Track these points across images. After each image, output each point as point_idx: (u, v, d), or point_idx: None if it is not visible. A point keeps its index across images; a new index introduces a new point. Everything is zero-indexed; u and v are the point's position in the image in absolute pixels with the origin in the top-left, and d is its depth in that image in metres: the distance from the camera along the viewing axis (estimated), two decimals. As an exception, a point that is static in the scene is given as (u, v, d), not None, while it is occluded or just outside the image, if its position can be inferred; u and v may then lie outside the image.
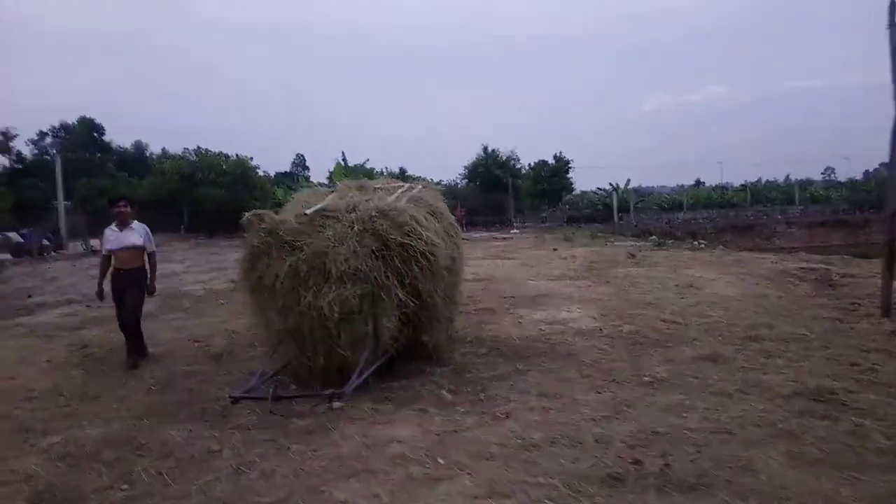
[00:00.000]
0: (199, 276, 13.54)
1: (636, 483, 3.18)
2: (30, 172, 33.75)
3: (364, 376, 4.88)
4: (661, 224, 25.80)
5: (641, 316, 7.36)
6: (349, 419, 4.31)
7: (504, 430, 3.99)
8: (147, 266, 6.35)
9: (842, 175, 48.18)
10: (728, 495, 3.02)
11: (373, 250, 4.96)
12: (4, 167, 33.42)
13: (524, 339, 6.45)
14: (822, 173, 48.04)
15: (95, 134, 43.23)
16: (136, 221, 6.36)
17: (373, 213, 5.14)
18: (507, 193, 34.41)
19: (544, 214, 34.06)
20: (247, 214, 5.41)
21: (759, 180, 43.48)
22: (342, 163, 32.28)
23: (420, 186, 6.67)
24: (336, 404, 4.57)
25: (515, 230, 27.95)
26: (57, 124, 43.05)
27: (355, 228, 5.06)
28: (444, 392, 4.82)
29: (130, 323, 6.08)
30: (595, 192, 41.27)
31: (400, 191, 6.07)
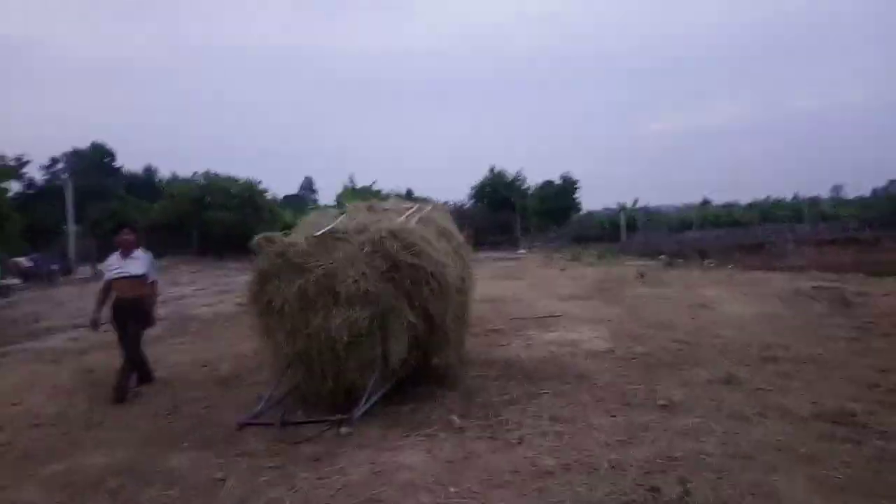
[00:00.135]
0: (207, 299, 13.51)
1: (655, 511, 3.07)
2: (41, 198, 34.17)
3: (373, 401, 4.80)
4: (669, 243, 25.64)
5: (653, 337, 7.24)
6: (357, 445, 4.22)
7: (517, 456, 3.89)
8: (151, 294, 6.26)
9: (850, 192, 47.84)
10: (752, 525, 2.91)
11: (382, 272, 4.91)
12: (17, 193, 33.83)
13: (535, 361, 6.35)
14: (830, 191, 47.69)
15: (106, 159, 43.81)
16: (139, 250, 6.27)
17: (382, 234, 5.10)
18: (514, 213, 34.40)
19: (552, 234, 33.97)
20: (256, 237, 5.39)
21: (767, 198, 43.21)
22: (350, 185, 32.48)
23: (429, 207, 6.63)
24: (344, 430, 4.48)
25: (523, 250, 27.87)
26: (69, 150, 43.68)
27: (365, 250, 5.02)
28: (455, 417, 4.71)
29: (131, 355, 5.94)
30: (602, 212, 41.23)
31: (409, 211, 6.03)
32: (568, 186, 38.29)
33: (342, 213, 6.20)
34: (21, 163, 35.50)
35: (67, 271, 22.83)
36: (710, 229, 36.05)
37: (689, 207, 45.44)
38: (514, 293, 11.67)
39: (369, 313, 4.81)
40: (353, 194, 26.66)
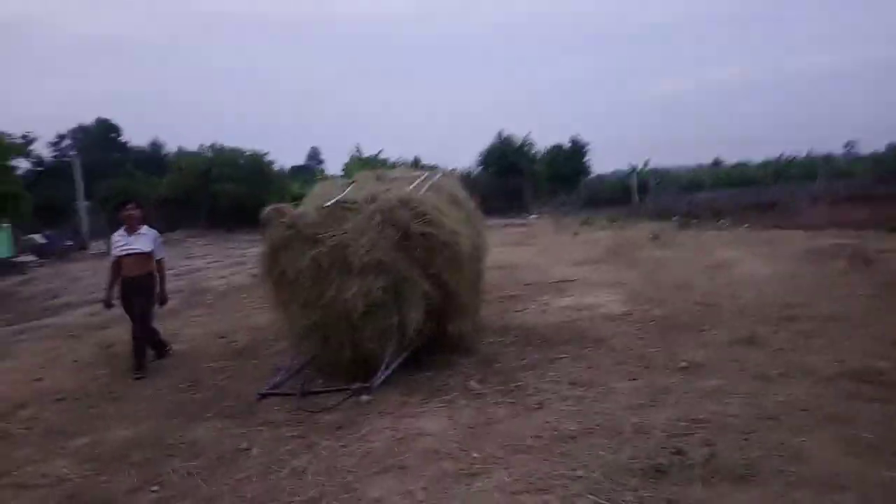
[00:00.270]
0: (221, 271, 13.57)
1: (680, 474, 3.05)
2: (50, 175, 34.25)
3: (391, 369, 4.80)
4: (682, 204, 25.30)
5: (671, 299, 7.17)
6: (378, 413, 4.23)
7: (538, 421, 3.87)
8: (156, 272, 6.10)
9: (864, 149, 46.77)
10: (780, 486, 2.88)
11: (394, 241, 4.85)
12: (25, 170, 33.92)
13: (551, 326, 6.31)
14: (843, 147, 46.62)
15: (113, 135, 43.66)
16: (146, 227, 6.10)
17: (393, 204, 5.02)
18: (523, 179, 34.04)
19: (562, 199, 33.65)
20: (266, 209, 5.33)
21: (780, 156, 42.38)
22: (357, 154, 32.19)
23: (439, 174, 6.52)
24: (364, 398, 4.49)
25: (533, 216, 27.68)
26: (75, 126, 43.56)
27: (376, 219, 4.95)
28: (473, 382, 4.71)
29: (141, 333, 5.87)
30: (613, 175, 40.72)
31: (419, 179, 5.93)
32: (577, 150, 37.69)
33: (351, 183, 6.11)
34: (28, 140, 35.57)
35: (82, 247, 23.00)
36: (722, 189, 35.55)
37: (700, 168, 44.76)
38: (526, 259, 11.60)
39: (383, 283, 4.78)
40: (360, 164, 26.44)
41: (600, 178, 40.31)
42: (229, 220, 26.19)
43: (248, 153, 30.67)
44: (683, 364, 4.76)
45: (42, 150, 38.39)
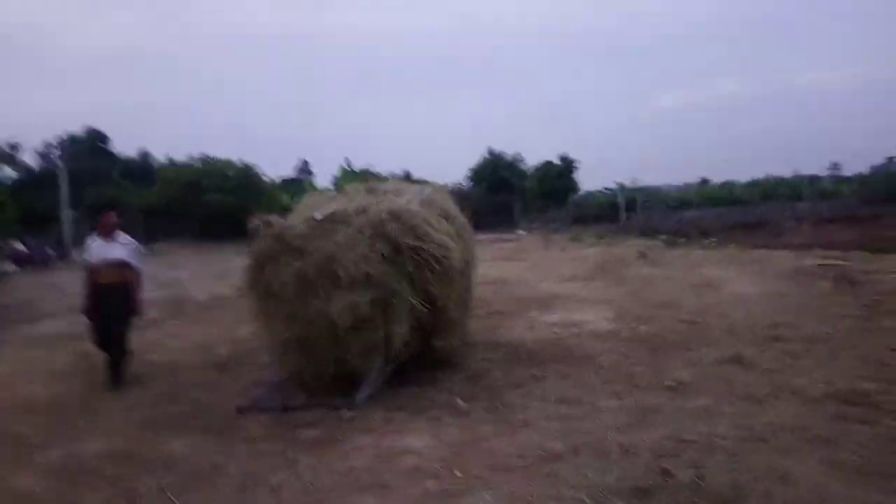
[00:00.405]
0: (205, 283, 13.40)
1: (668, 496, 2.98)
2: (36, 183, 33.86)
3: (376, 385, 4.71)
4: (669, 223, 25.51)
5: (658, 317, 7.15)
6: (360, 430, 4.14)
7: (523, 439, 3.80)
8: (134, 282, 5.76)
9: (848, 170, 47.50)
10: (768, 509, 2.82)
11: (384, 255, 4.79)
12: (11, 179, 33.53)
13: (539, 342, 6.26)
14: (827, 168, 47.32)
15: (101, 144, 43.33)
16: (123, 234, 5.86)
17: (383, 216, 4.97)
18: (512, 195, 34.20)
19: (551, 215, 33.80)
20: (254, 220, 5.25)
21: (766, 177, 42.99)
22: (347, 167, 32.19)
23: (430, 188, 6.49)
24: (347, 414, 4.40)
25: (522, 231, 27.74)
26: (63, 135, 43.20)
27: (366, 232, 4.89)
28: (459, 400, 4.63)
29: (120, 351, 5.60)
30: (601, 192, 41.00)
31: (410, 193, 5.89)
32: (567, 167, 38.01)
33: (341, 196, 6.06)
34: (14, 148, 35.22)
35: (63, 256, 22.67)
36: (709, 208, 35.90)
37: (688, 186, 45.22)
38: (515, 275, 11.57)
39: (371, 297, 4.71)
40: (350, 176, 26.44)
41: (589, 195, 40.61)
42: (217, 231, 25.98)
43: (237, 164, 30.57)
44: (671, 383, 4.72)
45: (29, 158, 38.02)
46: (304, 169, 55.24)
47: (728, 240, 17.71)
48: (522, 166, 37.96)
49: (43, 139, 41.53)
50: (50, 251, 22.09)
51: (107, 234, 5.76)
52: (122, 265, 5.70)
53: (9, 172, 31.61)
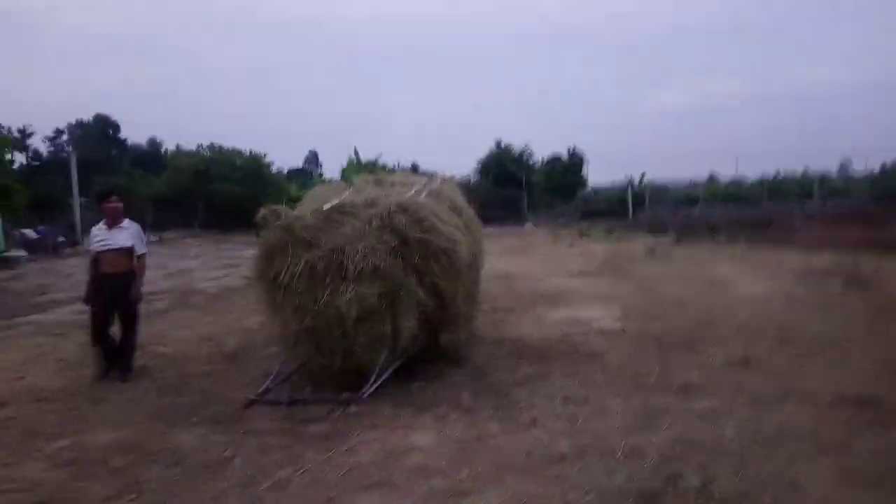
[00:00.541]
0: (213, 273, 13.45)
1: (675, 500, 2.97)
2: (46, 169, 34.01)
3: (382, 378, 4.70)
4: (677, 219, 25.32)
5: (666, 315, 7.11)
6: (367, 425, 4.14)
7: (530, 438, 3.79)
8: (138, 269, 5.68)
9: (858, 167, 46.84)
10: (777, 516, 2.80)
11: (392, 247, 4.77)
12: (21, 164, 33.71)
13: (545, 339, 6.24)
14: (838, 166, 46.63)
15: (111, 131, 43.48)
16: (127, 220, 5.74)
17: (392, 209, 4.95)
18: (520, 189, 34.06)
19: (559, 210, 33.66)
20: (262, 210, 5.24)
21: (776, 174, 42.54)
22: (354, 158, 32.14)
23: (438, 180, 6.46)
24: (353, 408, 4.39)
25: (530, 225, 27.66)
26: (73, 122, 43.37)
27: (373, 224, 4.87)
28: (465, 396, 4.62)
29: (131, 338, 5.62)
30: (609, 187, 40.78)
31: (418, 185, 5.86)
32: (575, 161, 37.79)
33: (349, 187, 6.04)
34: (25, 134, 35.40)
35: (74, 243, 22.80)
36: (717, 205, 35.63)
37: (696, 182, 44.84)
38: (522, 269, 11.54)
39: (379, 290, 4.70)
40: (358, 168, 26.39)
41: (596, 190, 40.38)
42: (225, 221, 26.04)
43: (246, 154, 30.60)
44: (678, 384, 4.69)
45: (39, 144, 38.22)
46: (313, 160, 55.31)
47: (736, 237, 17.58)
48: (531, 160, 37.76)
49: (54, 125, 41.76)
50: (61, 238, 22.20)
51: (111, 221, 5.68)
52: (127, 252, 5.63)
53: (19, 158, 31.75)
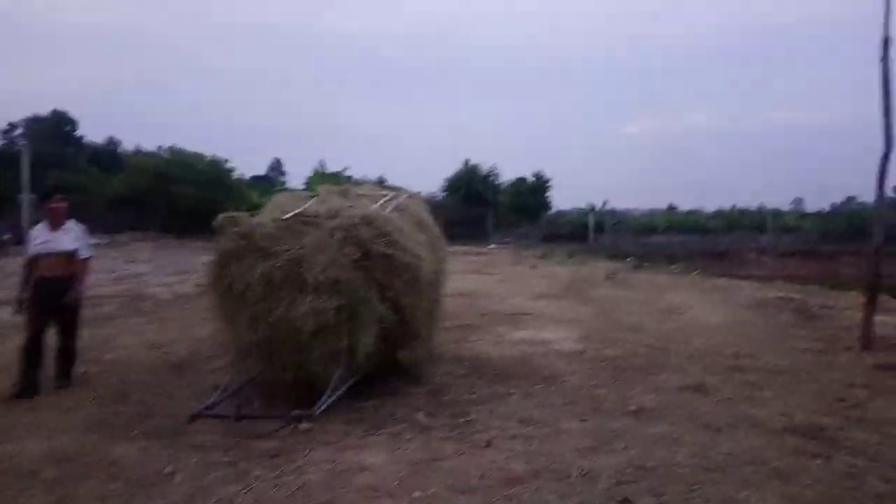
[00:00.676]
0: (166, 278, 13.03)
1: (627, 525, 2.95)
2: (-5, 164, 32.65)
3: (336, 395, 4.58)
4: (636, 246, 25.92)
5: (624, 340, 7.19)
6: (317, 442, 4.01)
7: (485, 459, 3.73)
8: (80, 273, 5.39)
9: (810, 206, 49.12)
10: (727, 543, 2.81)
11: (353, 260, 4.68)
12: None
13: (505, 359, 6.21)
14: (791, 203, 48.83)
15: (68, 128, 42.07)
16: (71, 221, 5.41)
17: (355, 221, 4.87)
18: (487, 208, 34.33)
19: (523, 231, 34.04)
20: (220, 216, 5.09)
21: (733, 207, 44.13)
22: (320, 169, 31.88)
23: (405, 195, 6.42)
24: (304, 425, 4.26)
25: (493, 245, 27.82)
26: (28, 116, 41.82)
27: (336, 236, 4.78)
28: (421, 415, 4.54)
29: (71, 344, 5.34)
30: (572, 212, 41.53)
31: (384, 199, 5.81)
32: (540, 184, 38.39)
33: (313, 197, 5.94)
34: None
35: (19, 241, 21.83)
36: (675, 234, 36.65)
37: (655, 211, 46.09)
38: (485, 288, 11.55)
39: (337, 303, 4.59)
40: (323, 178, 26.16)
41: (560, 213, 41.07)
42: (183, 226, 25.36)
43: (207, 158, 29.97)
44: (633, 408, 4.71)
45: (-10, 136, 36.67)
46: (277, 168, 54.56)
47: (692, 266, 18.07)
48: (497, 180, 38.17)
49: (6, 119, 40.22)
50: (5, 236, 21.23)
51: (54, 222, 5.34)
52: (69, 256, 5.30)
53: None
